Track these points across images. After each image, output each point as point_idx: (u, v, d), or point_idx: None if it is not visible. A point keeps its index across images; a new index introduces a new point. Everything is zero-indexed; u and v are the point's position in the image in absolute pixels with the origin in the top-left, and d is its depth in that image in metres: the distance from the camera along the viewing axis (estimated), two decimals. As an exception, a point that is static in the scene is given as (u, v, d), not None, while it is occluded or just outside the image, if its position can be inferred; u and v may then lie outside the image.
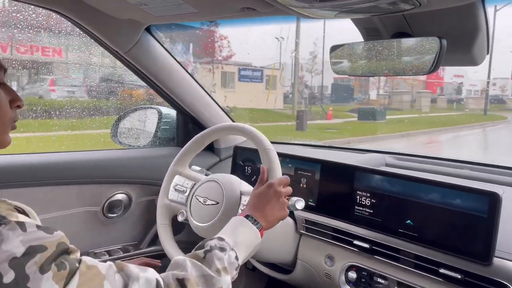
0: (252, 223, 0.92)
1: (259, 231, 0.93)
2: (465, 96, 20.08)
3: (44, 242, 0.60)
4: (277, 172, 1.10)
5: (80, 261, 0.65)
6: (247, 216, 0.94)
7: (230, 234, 0.88)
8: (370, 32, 1.02)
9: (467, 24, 0.88)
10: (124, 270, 0.70)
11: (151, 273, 0.73)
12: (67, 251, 0.63)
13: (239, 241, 0.88)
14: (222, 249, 0.83)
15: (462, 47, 0.92)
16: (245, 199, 1.17)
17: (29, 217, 0.69)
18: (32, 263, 0.57)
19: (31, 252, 0.58)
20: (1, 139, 0.75)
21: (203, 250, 0.82)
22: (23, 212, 0.68)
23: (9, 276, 0.55)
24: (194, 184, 1.31)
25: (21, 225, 0.59)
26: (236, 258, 0.85)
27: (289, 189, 1.06)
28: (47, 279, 0.58)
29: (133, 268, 0.71)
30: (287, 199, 1.07)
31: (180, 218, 1.30)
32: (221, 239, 0.86)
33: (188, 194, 1.30)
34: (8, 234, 0.57)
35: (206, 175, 1.44)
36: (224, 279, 0.80)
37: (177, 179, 1.35)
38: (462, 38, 0.90)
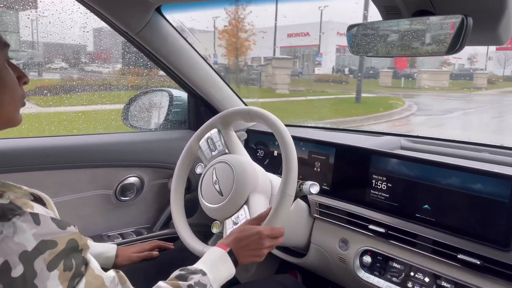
0: (232, 262, 0.96)
1: (235, 267, 0.97)
2: (418, 70, 16.32)
3: (56, 237, 0.60)
4: (278, 217, 1.04)
5: (87, 264, 0.66)
6: (230, 252, 0.96)
7: (211, 269, 0.91)
8: (389, 10, 0.98)
9: (493, 1, 0.83)
10: (127, 284, 0.74)
11: None
12: (76, 249, 0.64)
13: (218, 278, 0.92)
14: (204, 286, 0.86)
15: (487, 25, 0.87)
16: (242, 213, 1.12)
17: (45, 205, 0.68)
18: (41, 259, 0.57)
19: (41, 247, 0.58)
20: (13, 117, 0.74)
21: (186, 284, 0.83)
22: (39, 199, 0.68)
23: (18, 270, 0.55)
24: (222, 154, 1.25)
25: (35, 217, 0.59)
26: None
27: (276, 242, 1.04)
28: (53, 278, 0.58)
29: (131, 286, 0.75)
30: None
31: (198, 170, 1.32)
32: (204, 273, 0.88)
33: (213, 157, 1.26)
34: (22, 226, 0.57)
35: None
36: None
37: (214, 133, 1.29)
38: (487, 16, 0.86)
